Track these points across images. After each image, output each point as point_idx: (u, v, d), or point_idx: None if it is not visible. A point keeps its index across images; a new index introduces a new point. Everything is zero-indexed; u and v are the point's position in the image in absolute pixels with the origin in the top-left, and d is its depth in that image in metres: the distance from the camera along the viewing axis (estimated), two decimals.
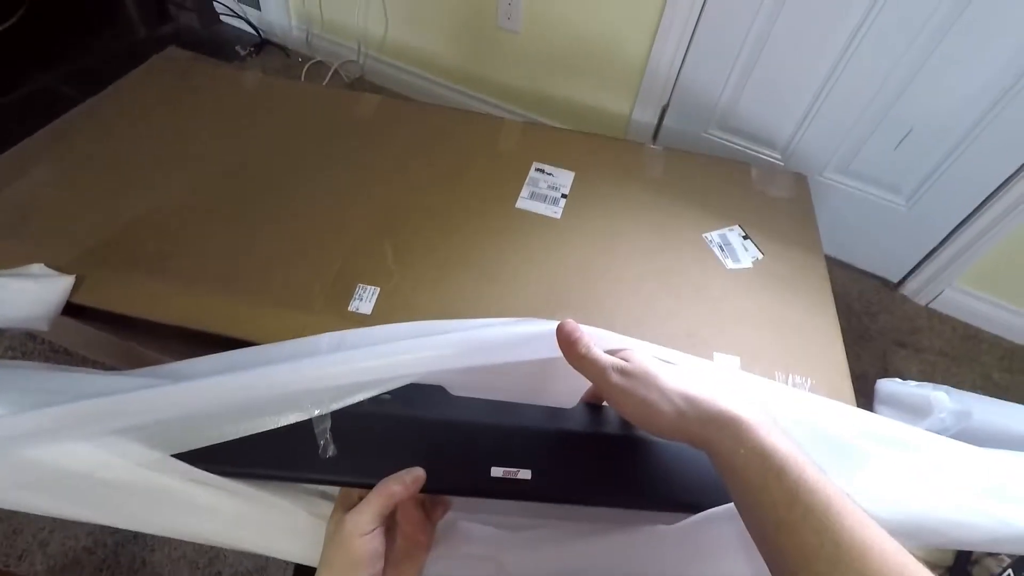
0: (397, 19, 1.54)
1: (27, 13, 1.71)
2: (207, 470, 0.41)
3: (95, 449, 0.40)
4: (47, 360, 1.09)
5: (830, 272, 0.94)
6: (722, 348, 0.82)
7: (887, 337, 1.31)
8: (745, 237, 0.97)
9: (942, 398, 0.69)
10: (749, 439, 0.34)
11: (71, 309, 0.83)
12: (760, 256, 0.95)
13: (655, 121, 1.40)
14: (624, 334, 0.85)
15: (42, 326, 0.78)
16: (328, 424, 0.41)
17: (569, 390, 0.47)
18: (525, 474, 0.41)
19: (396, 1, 1.51)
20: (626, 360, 0.40)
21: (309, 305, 0.82)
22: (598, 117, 1.46)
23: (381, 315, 0.81)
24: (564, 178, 1.02)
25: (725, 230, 0.98)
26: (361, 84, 1.68)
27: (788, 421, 0.44)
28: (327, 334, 0.49)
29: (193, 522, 0.42)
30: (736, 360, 0.81)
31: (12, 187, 0.95)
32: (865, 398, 1.03)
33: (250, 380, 0.42)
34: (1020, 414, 0.68)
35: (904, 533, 0.41)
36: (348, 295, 0.83)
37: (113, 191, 0.95)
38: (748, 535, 0.35)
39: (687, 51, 1.26)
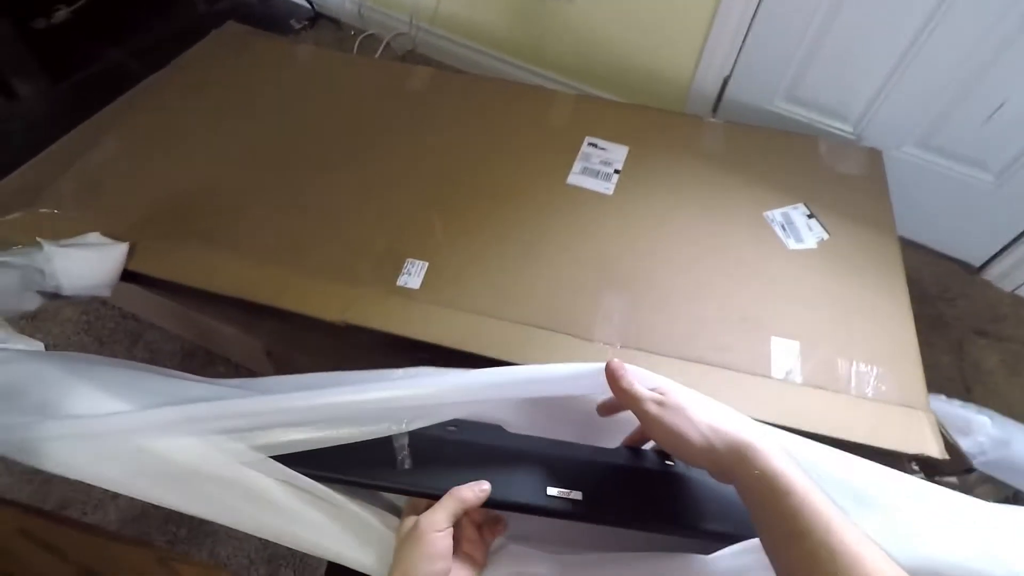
0: None
1: None
2: (301, 472, 0.46)
3: (203, 445, 0.46)
4: (117, 324, 1.14)
5: (903, 254, 0.88)
6: (780, 332, 0.78)
7: (965, 324, 1.22)
8: (810, 216, 0.91)
9: (984, 423, 0.72)
10: (763, 462, 0.39)
11: (136, 277, 0.87)
12: (826, 236, 0.89)
13: (716, 93, 1.33)
14: (676, 315, 0.82)
15: (105, 292, 0.82)
16: (406, 441, 0.47)
17: (611, 436, 0.53)
18: (577, 495, 0.46)
19: None
20: (663, 394, 0.45)
21: (357, 278, 0.82)
22: (654, 89, 1.40)
23: (429, 290, 0.81)
24: (617, 153, 0.99)
25: (788, 208, 0.92)
26: (413, 57, 1.67)
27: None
28: (401, 370, 0.54)
29: (278, 521, 0.46)
30: (795, 345, 0.77)
31: (84, 159, 0.99)
32: (936, 388, 0.97)
33: (342, 397, 0.47)
34: None
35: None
36: (397, 269, 0.83)
37: (173, 164, 0.99)
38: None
39: (754, 16, 1.18)
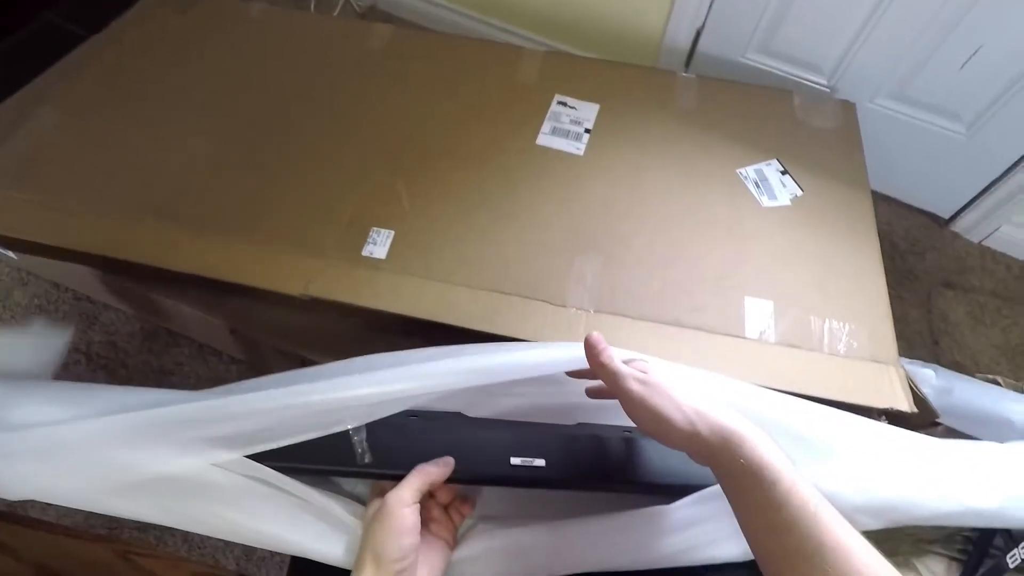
0: None
1: None
2: (263, 464, 0.44)
3: (163, 447, 0.43)
4: (71, 307, 1.10)
5: (875, 208, 0.87)
6: (755, 292, 0.77)
7: (934, 277, 1.24)
8: (783, 172, 0.90)
9: (928, 375, 0.77)
10: (749, 451, 0.37)
11: (87, 258, 0.82)
12: (799, 192, 0.88)
13: (688, 46, 1.29)
14: (650, 276, 0.81)
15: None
16: (364, 435, 0.46)
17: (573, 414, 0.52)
18: (540, 462, 0.46)
19: None
20: (644, 372, 0.43)
21: (322, 251, 0.79)
22: (626, 43, 1.35)
23: (396, 259, 0.78)
24: (588, 111, 0.95)
25: (762, 165, 0.90)
26: (373, 14, 1.59)
27: (768, 419, 0.48)
28: (360, 358, 0.52)
29: (240, 519, 0.44)
30: (769, 305, 0.76)
31: (19, 132, 0.93)
32: (905, 342, 0.98)
33: (296, 398, 0.45)
34: (996, 397, 0.74)
35: (867, 512, 0.48)
36: (362, 239, 0.80)
37: (120, 134, 0.93)
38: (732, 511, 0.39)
39: None
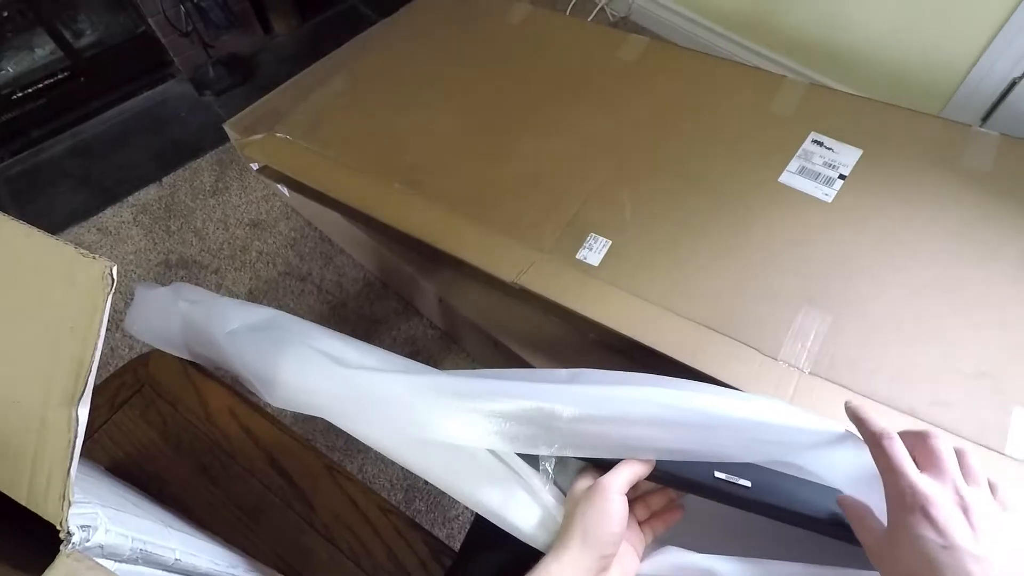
0: None
1: None
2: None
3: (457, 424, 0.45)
4: (315, 245, 1.27)
5: None
6: None
7: None
8: None
9: None
10: None
11: (337, 205, 0.94)
12: None
13: (995, 98, 1.09)
14: (887, 351, 0.71)
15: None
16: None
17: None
18: (745, 483, 0.42)
19: None
20: (972, 483, 0.30)
21: (539, 243, 0.82)
22: (910, 85, 1.19)
23: (608, 269, 0.78)
24: (847, 155, 0.86)
25: None
26: (626, 24, 1.61)
27: None
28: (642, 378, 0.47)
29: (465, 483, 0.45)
30: None
31: (316, 93, 1.09)
32: None
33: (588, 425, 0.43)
34: None
35: None
36: (579, 242, 0.81)
37: (388, 105, 1.05)
38: None
39: None
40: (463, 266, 0.84)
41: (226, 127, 1.19)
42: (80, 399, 0.25)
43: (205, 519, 0.56)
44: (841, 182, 0.83)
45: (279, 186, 1.19)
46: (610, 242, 0.81)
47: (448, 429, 0.44)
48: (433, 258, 0.90)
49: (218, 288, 1.21)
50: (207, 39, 1.54)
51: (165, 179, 1.40)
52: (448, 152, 0.96)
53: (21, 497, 0.25)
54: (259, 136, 1.05)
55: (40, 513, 0.25)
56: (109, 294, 0.26)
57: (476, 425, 0.44)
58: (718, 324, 0.72)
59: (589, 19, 1.61)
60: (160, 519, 0.38)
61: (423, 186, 0.91)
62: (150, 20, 1.47)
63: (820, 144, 0.88)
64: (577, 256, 0.80)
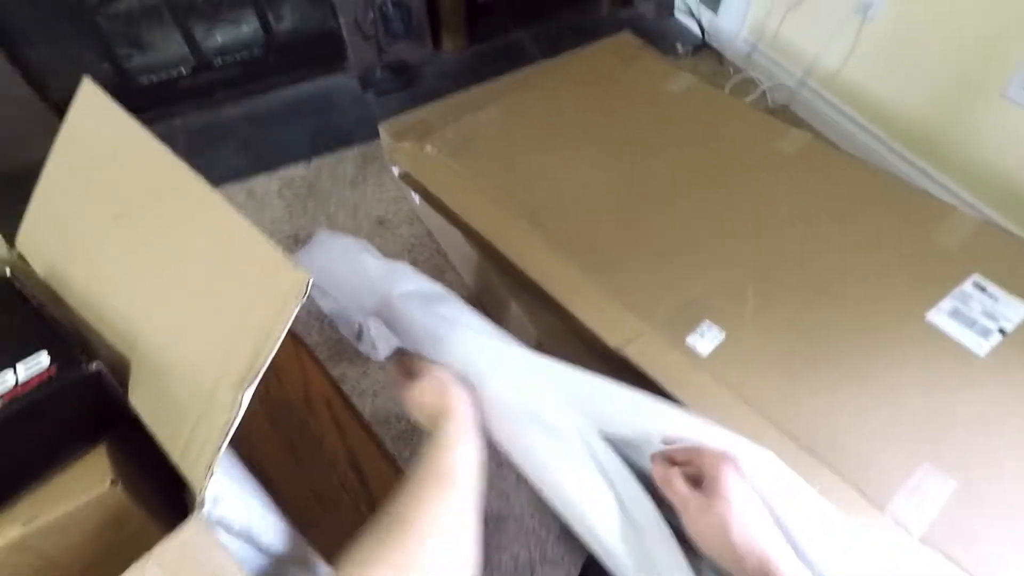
0: (867, 56, 1.36)
1: None
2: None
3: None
4: (430, 256, 1.32)
5: None
6: None
7: None
8: None
9: None
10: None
11: (465, 228, 0.98)
12: None
13: None
14: (1015, 539, 0.62)
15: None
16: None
17: None
18: None
19: (876, 37, 1.33)
20: (711, 477, 0.41)
21: (651, 316, 0.80)
22: None
23: (716, 362, 0.75)
24: (1012, 309, 0.78)
25: None
26: (784, 112, 1.57)
27: None
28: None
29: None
30: None
31: (470, 116, 1.15)
32: None
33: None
34: None
35: None
36: (692, 326, 0.79)
37: (533, 143, 1.08)
38: None
39: None
40: (569, 318, 0.84)
41: (381, 128, 1.27)
42: (249, 385, 0.27)
43: (282, 492, 0.59)
44: (1000, 337, 0.75)
45: (413, 194, 1.25)
46: (724, 334, 0.78)
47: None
48: (542, 301, 0.91)
49: None
50: (383, 44, 1.67)
51: (314, 160, 1.52)
52: (581, 202, 0.97)
53: (175, 454, 0.28)
54: (408, 144, 1.12)
55: (186, 475, 0.27)
56: (300, 302, 0.28)
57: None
58: (823, 452, 0.67)
59: (749, 100, 1.58)
60: (261, 500, 0.41)
61: (548, 229, 0.93)
62: (341, 19, 1.62)
63: (982, 289, 0.80)
64: (687, 340, 0.78)
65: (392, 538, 0.36)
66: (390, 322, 0.57)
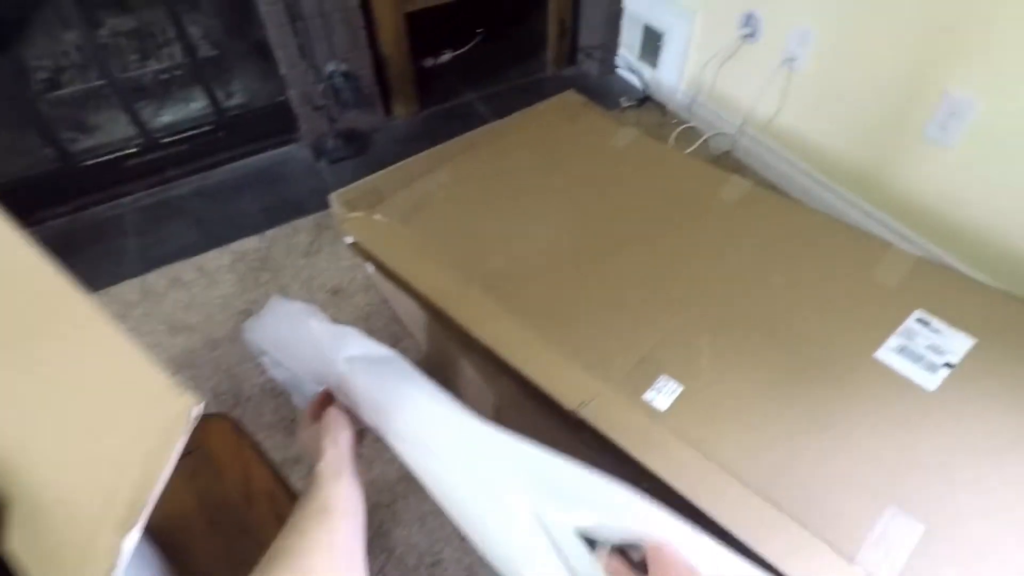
0: (797, 103, 1.43)
1: (478, 44, 2.12)
2: None
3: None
4: (386, 324, 1.30)
5: None
6: None
7: None
8: None
9: None
10: None
11: (417, 295, 0.96)
12: None
13: None
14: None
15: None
16: None
17: None
18: None
19: (803, 86, 1.41)
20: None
21: (607, 374, 0.79)
22: None
23: (675, 417, 0.74)
24: (956, 342, 0.79)
25: None
26: (727, 159, 1.63)
27: None
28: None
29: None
30: None
31: (420, 180, 1.15)
32: None
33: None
34: None
35: None
36: (648, 382, 0.78)
37: (484, 206, 1.09)
38: None
39: None
40: (526, 382, 0.82)
41: (331, 198, 1.26)
42: (131, 528, 0.25)
43: None
44: (947, 371, 0.76)
45: (366, 263, 1.24)
46: (682, 387, 0.77)
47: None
48: (497, 366, 0.89)
49: None
50: (334, 114, 1.69)
51: (267, 232, 1.50)
52: (532, 263, 0.97)
53: None
54: (359, 214, 1.11)
55: None
56: (187, 432, 0.26)
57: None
58: (789, 505, 0.65)
59: (692, 149, 1.64)
60: None
61: (502, 293, 0.92)
62: (290, 92, 1.64)
63: (926, 324, 0.82)
64: (644, 397, 0.77)
65: (275, 567, 0.38)
66: (338, 389, 0.57)
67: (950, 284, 0.88)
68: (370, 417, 0.53)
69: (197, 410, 0.26)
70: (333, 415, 0.53)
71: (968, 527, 0.63)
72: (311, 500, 0.44)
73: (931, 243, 1.27)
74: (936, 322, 0.82)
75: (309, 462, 0.50)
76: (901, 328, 0.82)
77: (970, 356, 0.78)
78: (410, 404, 0.53)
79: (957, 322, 0.82)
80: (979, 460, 0.68)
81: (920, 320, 0.82)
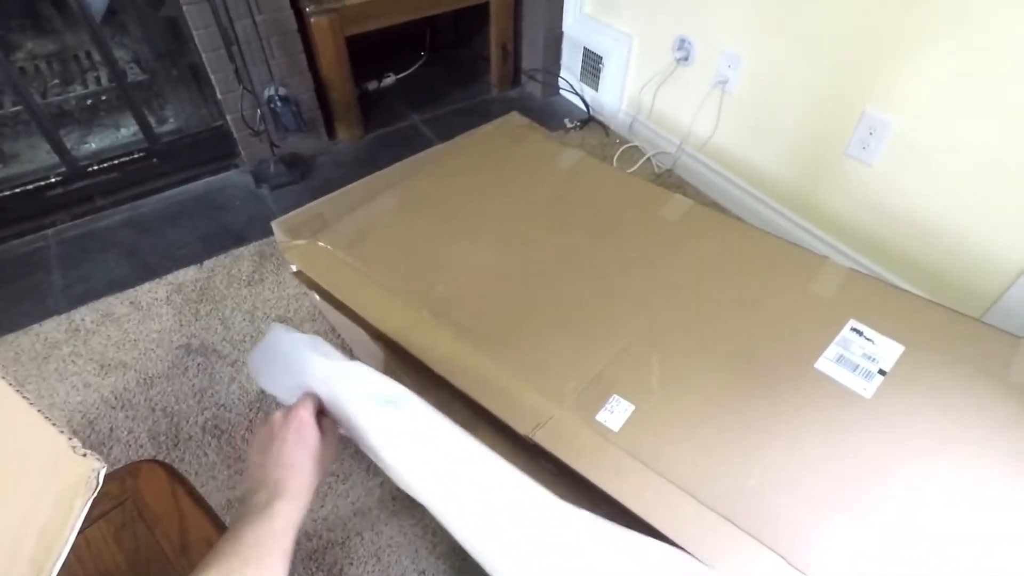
0: (731, 124, 1.49)
1: (421, 66, 2.12)
2: None
3: None
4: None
5: None
6: None
7: None
8: None
9: None
10: None
11: (366, 325, 0.94)
12: None
13: None
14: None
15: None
16: None
17: None
18: None
19: (736, 107, 1.47)
20: None
21: (560, 397, 0.79)
22: (955, 284, 1.19)
23: (628, 436, 0.74)
24: (888, 350, 0.83)
25: None
26: (669, 177, 1.67)
27: None
28: None
29: None
30: None
31: (365, 206, 1.13)
32: None
33: None
34: None
35: None
36: (600, 403, 0.78)
37: (430, 231, 1.07)
38: None
39: None
40: (479, 408, 0.81)
41: (274, 225, 1.22)
42: None
43: None
44: (881, 378, 0.80)
45: (311, 291, 1.20)
46: (633, 407, 0.77)
47: None
48: (450, 392, 0.87)
49: (231, 382, 1.19)
50: (275, 139, 1.65)
51: (206, 262, 1.44)
52: (480, 287, 0.96)
53: None
54: (302, 242, 1.08)
55: None
56: (89, 499, 0.24)
57: None
58: (740, 518, 0.66)
59: (635, 168, 1.68)
60: None
61: (451, 318, 0.91)
62: (228, 117, 1.59)
63: (859, 333, 0.86)
64: (597, 417, 0.77)
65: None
66: (346, 425, 0.59)
67: (879, 294, 0.92)
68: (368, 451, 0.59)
69: (101, 473, 0.24)
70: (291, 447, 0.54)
71: (917, 526, 0.66)
72: (268, 521, 0.46)
73: (861, 255, 1.34)
74: (869, 331, 0.86)
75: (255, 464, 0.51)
76: (838, 338, 0.85)
77: (900, 362, 0.82)
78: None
79: (887, 330, 0.86)
80: (923, 461, 0.71)
81: (854, 329, 0.86)
